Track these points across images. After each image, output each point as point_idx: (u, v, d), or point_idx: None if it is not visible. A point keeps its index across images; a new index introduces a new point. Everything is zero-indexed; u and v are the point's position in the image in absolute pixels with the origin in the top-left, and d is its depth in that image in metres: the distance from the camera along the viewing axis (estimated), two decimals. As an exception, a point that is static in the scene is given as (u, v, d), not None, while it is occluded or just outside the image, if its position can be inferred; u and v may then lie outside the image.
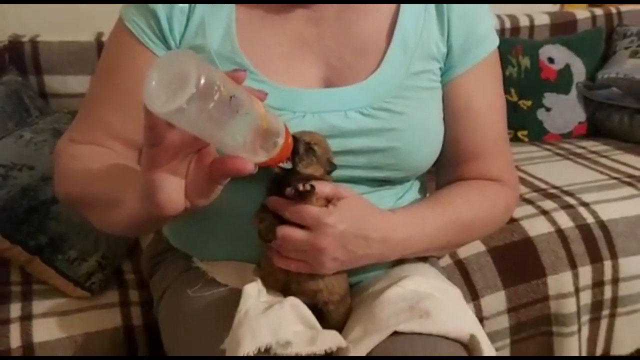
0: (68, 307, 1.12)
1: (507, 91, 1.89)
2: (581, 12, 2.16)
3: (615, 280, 1.34)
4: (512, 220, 1.33)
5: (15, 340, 1.03)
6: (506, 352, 1.31)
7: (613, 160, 1.72)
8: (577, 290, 1.31)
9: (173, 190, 0.59)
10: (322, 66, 0.85)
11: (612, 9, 2.18)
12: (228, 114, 0.54)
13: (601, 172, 1.60)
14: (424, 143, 0.87)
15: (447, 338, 0.74)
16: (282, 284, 0.80)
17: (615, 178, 1.55)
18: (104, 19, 1.11)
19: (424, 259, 0.94)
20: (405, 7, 0.86)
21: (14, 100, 1.45)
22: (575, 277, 1.31)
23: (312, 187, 0.73)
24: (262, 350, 0.68)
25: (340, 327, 0.80)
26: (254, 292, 0.76)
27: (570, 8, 2.26)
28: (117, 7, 0.87)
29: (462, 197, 0.90)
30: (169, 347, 0.92)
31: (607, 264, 1.34)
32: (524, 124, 1.95)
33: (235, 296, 0.76)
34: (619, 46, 2.08)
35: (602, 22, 2.16)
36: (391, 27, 0.86)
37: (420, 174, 0.94)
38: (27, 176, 1.17)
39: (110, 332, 1.08)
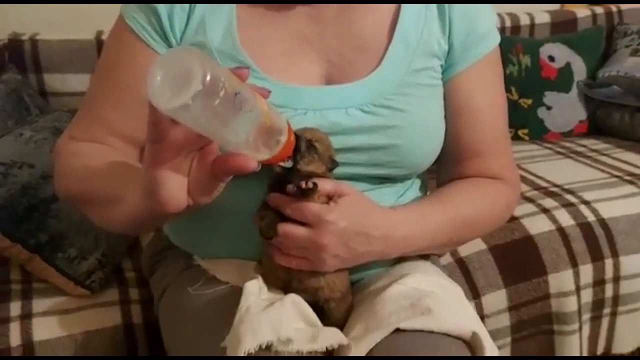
0: (68, 306, 1.11)
1: (507, 90, 1.88)
2: (582, 11, 2.16)
3: (617, 279, 1.34)
4: (513, 219, 1.32)
5: (15, 338, 1.03)
6: (507, 351, 1.31)
7: (614, 158, 1.71)
8: (578, 289, 1.31)
9: (175, 188, 0.59)
10: (323, 63, 0.85)
11: (613, 7, 2.18)
12: (232, 111, 0.54)
13: (602, 171, 1.60)
14: (425, 140, 0.87)
15: (448, 335, 0.74)
16: (283, 282, 0.79)
17: (616, 176, 1.55)
18: (104, 18, 1.11)
19: (425, 257, 0.94)
20: (406, 5, 0.86)
21: (13, 99, 1.45)
22: (576, 275, 1.31)
23: (315, 184, 0.73)
24: (263, 347, 0.68)
25: (341, 325, 0.80)
26: (255, 290, 0.76)
27: (570, 7, 2.26)
28: (117, 7, 0.87)
29: (463, 194, 0.90)
30: (169, 346, 0.92)
31: (608, 262, 1.34)
32: (524, 123, 1.95)
33: (236, 294, 0.76)
34: (620, 44, 2.08)
35: (602, 20, 2.16)
36: (392, 25, 0.86)
37: (421, 172, 0.94)
38: (27, 174, 1.17)
39: (111, 331, 1.08)
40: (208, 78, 0.50)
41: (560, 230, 1.33)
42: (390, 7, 0.87)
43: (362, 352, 0.72)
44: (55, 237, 1.14)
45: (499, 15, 2.03)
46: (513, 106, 1.91)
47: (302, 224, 0.75)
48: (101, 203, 0.77)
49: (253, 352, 0.67)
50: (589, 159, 1.72)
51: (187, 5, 0.82)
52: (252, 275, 0.79)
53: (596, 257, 1.33)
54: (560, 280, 1.30)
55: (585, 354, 1.36)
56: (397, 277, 0.83)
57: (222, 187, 0.62)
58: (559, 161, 1.73)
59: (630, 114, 1.90)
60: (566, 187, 1.48)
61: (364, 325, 0.76)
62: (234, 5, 0.83)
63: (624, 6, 2.18)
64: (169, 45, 0.83)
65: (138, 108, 0.75)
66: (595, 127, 2.00)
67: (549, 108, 1.96)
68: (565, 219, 1.36)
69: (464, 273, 1.26)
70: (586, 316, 1.34)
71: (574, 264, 1.31)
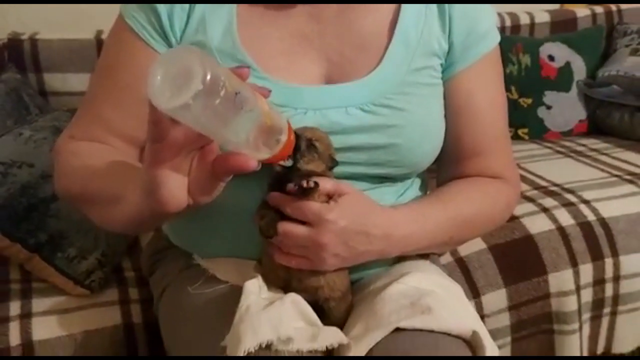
0: (68, 305, 1.11)
1: (507, 89, 1.88)
2: (581, 10, 2.16)
3: (617, 278, 1.34)
4: (513, 218, 1.32)
5: (14, 338, 1.03)
6: (507, 350, 1.31)
7: (614, 157, 1.71)
8: (578, 288, 1.31)
9: (176, 187, 0.59)
10: (323, 62, 0.85)
11: (613, 7, 2.18)
12: (233, 111, 0.54)
13: (602, 170, 1.60)
14: (425, 139, 0.87)
15: (449, 335, 0.74)
16: (283, 281, 0.79)
17: (616, 176, 1.55)
18: (104, 18, 1.11)
19: (425, 256, 0.94)
20: (406, 4, 0.86)
21: (13, 98, 1.45)
22: (576, 274, 1.31)
23: (316, 183, 0.73)
24: (263, 346, 0.68)
25: (341, 324, 0.80)
26: (255, 289, 0.76)
27: (570, 6, 2.26)
28: (117, 6, 0.86)
29: (463, 194, 0.90)
30: (169, 345, 0.92)
31: (608, 262, 1.33)
32: (524, 122, 1.95)
33: (236, 293, 0.76)
34: (619, 44, 2.08)
35: (602, 20, 2.16)
36: (392, 24, 0.86)
37: (421, 171, 0.94)
38: (27, 174, 1.17)
39: (110, 330, 1.08)
40: (208, 77, 0.50)
41: (560, 229, 1.33)
42: (391, 7, 0.87)
43: (362, 352, 0.72)
44: (54, 236, 1.14)
45: (499, 14, 2.03)
46: (513, 105, 1.91)
47: (302, 223, 0.75)
48: (101, 202, 0.77)
49: (253, 351, 0.67)
50: (588, 159, 1.72)
51: (187, 5, 0.82)
52: (252, 275, 0.79)
53: (596, 256, 1.33)
54: (560, 279, 1.30)
55: (585, 353, 1.36)
56: (397, 276, 0.83)
57: (222, 187, 0.62)
58: (559, 160, 1.73)
59: (630, 113, 1.90)
60: (566, 186, 1.48)
61: (364, 324, 0.76)
62: (234, 5, 0.83)
63: (623, 6, 2.18)
64: (169, 45, 0.83)
65: (138, 107, 0.75)
66: (595, 127, 2.00)
67: (548, 107, 1.96)
68: (565, 218, 1.36)
69: (464, 272, 1.26)
70: (586, 316, 1.34)
71: (574, 263, 1.31)
